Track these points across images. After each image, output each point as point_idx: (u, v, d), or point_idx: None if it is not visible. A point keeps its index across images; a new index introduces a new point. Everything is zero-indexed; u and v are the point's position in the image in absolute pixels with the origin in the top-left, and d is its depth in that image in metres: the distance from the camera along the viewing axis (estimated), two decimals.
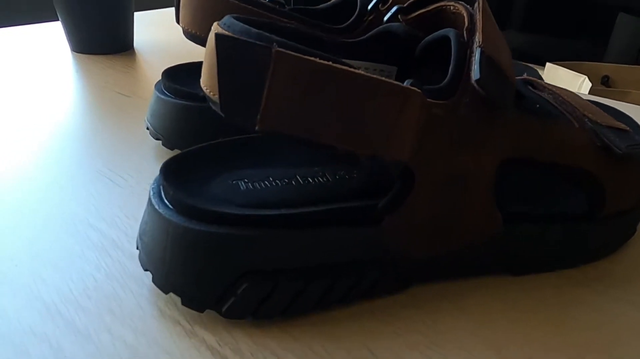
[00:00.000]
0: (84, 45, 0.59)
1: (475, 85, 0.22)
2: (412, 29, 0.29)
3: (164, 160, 0.36)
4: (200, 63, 0.40)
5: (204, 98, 0.35)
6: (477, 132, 0.23)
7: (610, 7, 1.58)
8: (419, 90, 0.20)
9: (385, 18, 0.29)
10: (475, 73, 0.22)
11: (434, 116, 0.22)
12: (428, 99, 0.22)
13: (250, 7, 0.31)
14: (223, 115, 0.19)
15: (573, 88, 0.85)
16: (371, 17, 0.34)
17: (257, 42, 0.18)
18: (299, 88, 0.19)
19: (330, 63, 0.19)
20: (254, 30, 0.20)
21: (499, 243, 0.25)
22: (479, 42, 0.23)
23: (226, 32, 0.20)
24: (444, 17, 0.28)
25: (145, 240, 0.22)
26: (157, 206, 0.22)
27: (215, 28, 0.21)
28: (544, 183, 0.28)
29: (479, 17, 0.25)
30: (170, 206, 0.22)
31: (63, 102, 0.45)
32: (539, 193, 0.28)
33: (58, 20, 0.60)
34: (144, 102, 0.46)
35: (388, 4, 0.34)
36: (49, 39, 0.65)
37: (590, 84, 0.75)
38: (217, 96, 0.21)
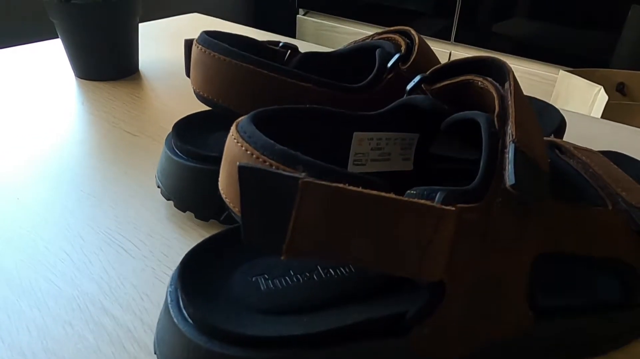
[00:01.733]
0: (88, 72, 0.58)
1: (509, 189, 0.21)
2: (437, 102, 0.27)
3: (177, 221, 0.35)
4: (211, 112, 0.39)
5: (216, 159, 0.34)
6: (511, 230, 0.22)
7: None
8: (453, 209, 0.19)
9: (408, 87, 0.28)
10: (509, 177, 0.21)
11: (464, 222, 0.21)
12: (458, 204, 0.21)
13: (260, 69, 0.30)
14: (245, 242, 0.18)
15: (588, 99, 0.83)
16: (390, 75, 0.32)
17: (283, 174, 0.17)
18: (327, 217, 0.17)
19: (359, 189, 0.18)
20: (277, 147, 0.19)
21: (528, 338, 0.24)
22: (513, 135, 0.22)
23: (250, 149, 0.19)
24: (472, 91, 0.26)
25: (164, 352, 0.22)
26: (176, 321, 0.21)
27: (235, 135, 0.20)
28: (573, 270, 0.27)
29: (511, 102, 0.24)
30: (190, 321, 0.21)
31: (71, 144, 0.44)
32: (568, 282, 0.27)
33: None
34: (152, 143, 0.45)
35: (409, 64, 0.32)
36: (51, 59, 0.63)
37: (606, 97, 0.73)
38: (237, 209, 0.20)
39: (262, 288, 0.23)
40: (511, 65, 0.26)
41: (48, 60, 0.64)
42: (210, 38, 0.30)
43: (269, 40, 0.37)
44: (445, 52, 1.61)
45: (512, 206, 0.22)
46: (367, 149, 0.28)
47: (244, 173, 0.17)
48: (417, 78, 0.28)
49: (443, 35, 1.64)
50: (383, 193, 0.18)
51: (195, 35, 0.34)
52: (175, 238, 0.33)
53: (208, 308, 0.21)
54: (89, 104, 0.52)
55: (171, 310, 0.21)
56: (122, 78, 0.59)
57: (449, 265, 0.20)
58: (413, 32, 0.33)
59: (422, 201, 0.19)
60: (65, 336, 0.26)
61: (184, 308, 0.21)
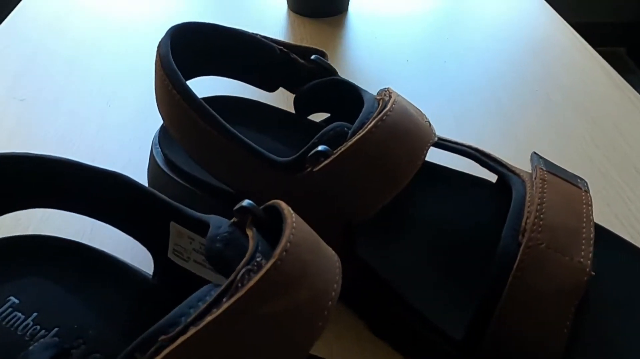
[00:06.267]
0: (301, 7, 0.58)
1: None
2: (232, 250, 0.18)
3: None
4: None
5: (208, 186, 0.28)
6: None
7: None
8: None
9: (235, 208, 0.19)
10: None
11: None
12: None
13: (196, 115, 0.24)
14: None
15: None
16: (309, 169, 0.22)
17: None
18: None
19: None
20: None
21: None
22: None
23: None
24: None
25: None
26: None
27: None
28: None
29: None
30: None
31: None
32: None
33: None
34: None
35: (319, 167, 0.21)
36: None
37: None
38: None
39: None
40: None
41: None
42: (168, 42, 0.26)
43: (294, 44, 0.29)
44: None
45: None
46: (189, 247, 0.22)
47: None
48: (244, 203, 0.19)
49: None
50: None
51: None
52: None
53: None
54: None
55: None
56: (331, 16, 0.57)
57: None
58: (388, 106, 0.21)
59: None
60: None
61: None
